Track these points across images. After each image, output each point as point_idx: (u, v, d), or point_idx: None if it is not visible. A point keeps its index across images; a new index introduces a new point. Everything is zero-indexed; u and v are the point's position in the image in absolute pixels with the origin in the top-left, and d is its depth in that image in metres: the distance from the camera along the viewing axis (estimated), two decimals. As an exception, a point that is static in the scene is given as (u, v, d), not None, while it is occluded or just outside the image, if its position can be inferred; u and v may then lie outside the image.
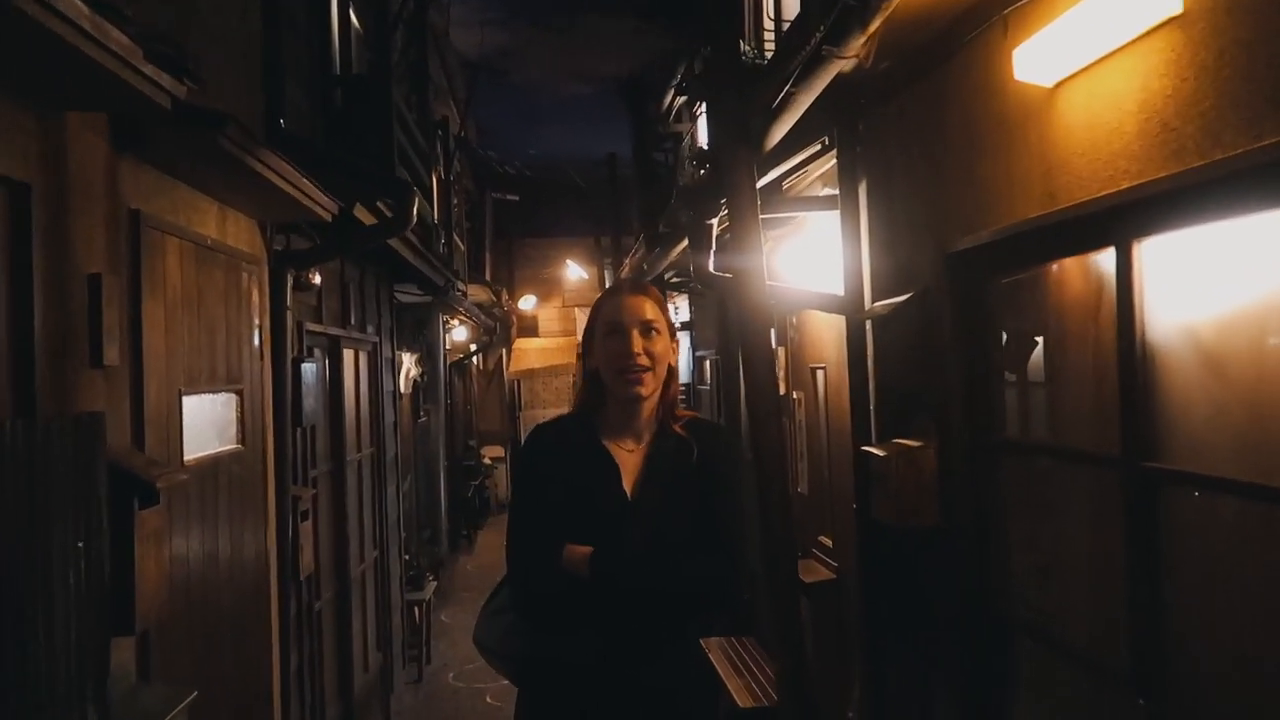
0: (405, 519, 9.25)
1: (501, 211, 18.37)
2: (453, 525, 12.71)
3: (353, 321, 5.92)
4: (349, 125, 5.04)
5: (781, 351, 5.85)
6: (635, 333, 2.05)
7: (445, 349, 13.27)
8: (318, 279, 4.35)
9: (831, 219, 4.44)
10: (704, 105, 9.99)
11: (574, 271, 18.58)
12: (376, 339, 6.80)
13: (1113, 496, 2.47)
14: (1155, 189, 2.17)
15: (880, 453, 3.65)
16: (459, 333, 13.67)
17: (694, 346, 9.90)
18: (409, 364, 9.70)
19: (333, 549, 5.59)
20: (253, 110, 3.85)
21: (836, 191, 4.30)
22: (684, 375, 9.86)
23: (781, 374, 5.71)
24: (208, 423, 3.29)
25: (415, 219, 4.18)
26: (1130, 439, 2.38)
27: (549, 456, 2.09)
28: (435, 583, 8.73)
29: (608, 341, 2.07)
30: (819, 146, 4.29)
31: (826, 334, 4.87)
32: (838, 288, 4.16)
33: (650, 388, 2.06)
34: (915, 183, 3.63)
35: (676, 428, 2.11)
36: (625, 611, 1.97)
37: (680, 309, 10.75)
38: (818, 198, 4.45)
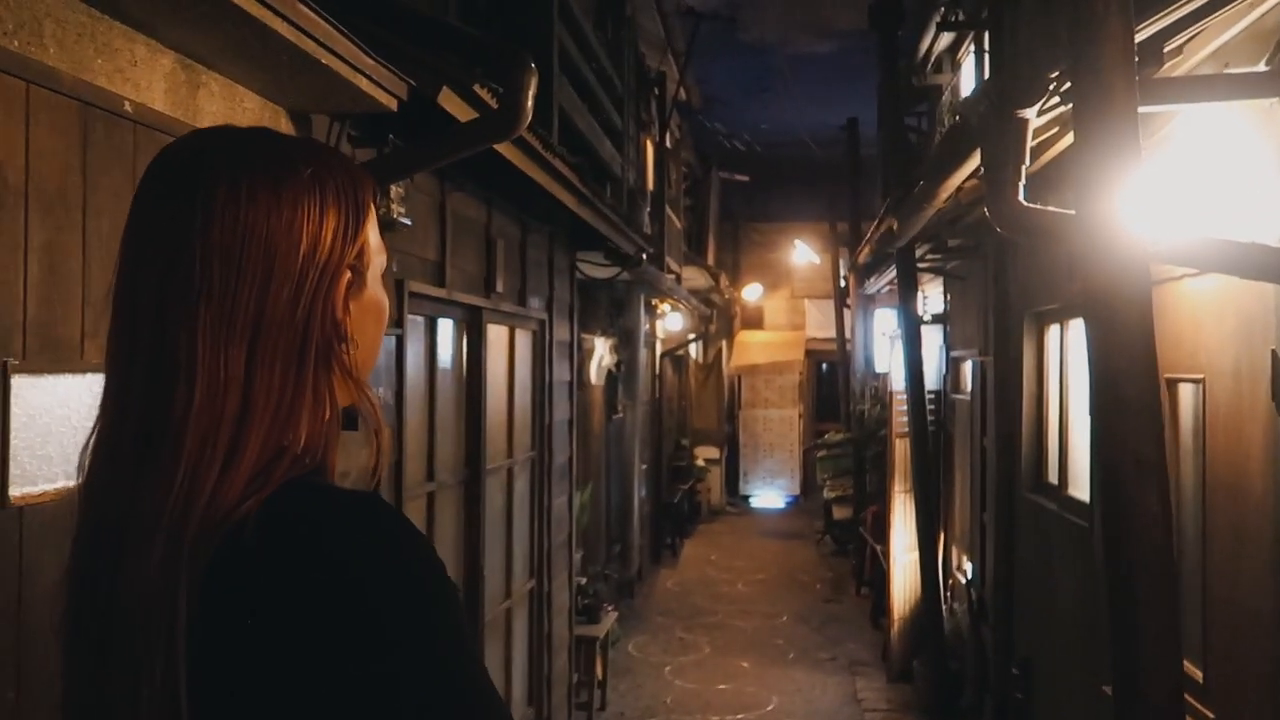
0: (587, 533, 7.93)
1: (728, 192, 16.90)
2: (654, 536, 11.35)
3: (501, 289, 4.54)
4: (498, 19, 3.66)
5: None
6: None
7: (658, 337, 11.93)
8: (403, 214, 2.94)
9: (1251, 118, 2.53)
10: (972, 40, 7.91)
11: (804, 255, 16.72)
12: (544, 316, 5.41)
13: None
14: None
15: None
16: (674, 320, 12.40)
17: (948, 345, 7.89)
18: (602, 351, 8.36)
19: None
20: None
21: (1265, 66, 2.41)
22: (932, 381, 7.82)
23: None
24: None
25: (530, 114, 2.65)
26: None
27: None
28: (615, 613, 7.31)
29: (381, 277, 0.92)
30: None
31: (1208, 323, 2.92)
32: (1272, 235, 2.27)
33: None
34: None
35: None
36: None
37: (930, 297, 8.73)
38: (1232, 77, 2.53)
